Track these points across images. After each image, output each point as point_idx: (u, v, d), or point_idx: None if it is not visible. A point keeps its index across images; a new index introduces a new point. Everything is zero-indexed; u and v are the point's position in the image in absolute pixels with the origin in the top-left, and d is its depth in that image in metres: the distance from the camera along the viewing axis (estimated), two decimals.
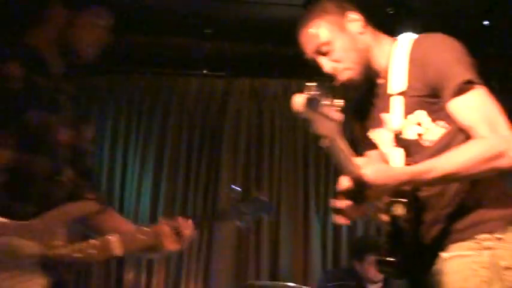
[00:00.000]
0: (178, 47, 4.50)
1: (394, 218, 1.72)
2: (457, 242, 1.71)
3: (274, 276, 4.44)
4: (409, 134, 1.77)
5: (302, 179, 4.72)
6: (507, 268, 1.66)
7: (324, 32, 1.85)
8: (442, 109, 1.70)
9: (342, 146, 1.52)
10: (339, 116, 1.45)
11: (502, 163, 1.61)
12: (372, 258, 3.93)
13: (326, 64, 1.87)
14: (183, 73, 4.83)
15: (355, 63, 1.85)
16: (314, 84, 1.40)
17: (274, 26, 4.16)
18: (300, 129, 4.74)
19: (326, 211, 4.64)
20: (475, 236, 1.69)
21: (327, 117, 1.42)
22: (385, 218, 1.74)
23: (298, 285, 3.48)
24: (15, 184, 1.77)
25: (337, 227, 4.63)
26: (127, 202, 4.58)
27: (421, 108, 1.74)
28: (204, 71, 4.79)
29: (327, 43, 1.85)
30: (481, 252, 1.67)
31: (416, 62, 1.75)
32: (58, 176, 1.88)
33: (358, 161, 1.59)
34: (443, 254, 1.72)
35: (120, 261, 4.38)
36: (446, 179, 1.66)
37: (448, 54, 1.71)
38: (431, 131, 1.74)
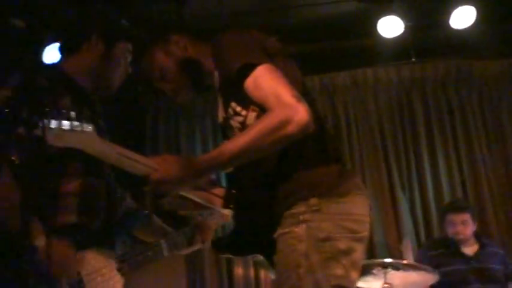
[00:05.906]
0: None
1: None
2: (283, 212, 1.72)
3: (371, 254, 4.49)
4: (234, 126, 1.81)
5: (383, 159, 4.85)
6: (325, 239, 1.65)
7: (154, 60, 1.93)
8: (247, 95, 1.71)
9: (125, 152, 1.60)
10: (89, 128, 1.50)
11: (289, 130, 1.59)
12: (448, 217, 4.02)
13: (165, 87, 1.96)
14: None
15: (185, 80, 1.92)
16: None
17: (329, 23, 4.41)
18: (374, 113, 4.93)
19: (411, 187, 4.79)
20: (293, 206, 1.70)
21: (76, 131, 1.47)
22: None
23: (395, 260, 3.47)
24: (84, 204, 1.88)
25: (424, 198, 4.75)
26: None
27: (232, 100, 1.78)
28: None
29: (160, 69, 1.92)
30: (298, 226, 1.67)
31: (214, 59, 1.83)
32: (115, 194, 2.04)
33: (153, 161, 1.65)
34: (274, 235, 1.73)
35: (230, 259, 4.57)
36: (238, 159, 1.67)
37: (226, 45, 1.76)
38: (249, 117, 1.75)
